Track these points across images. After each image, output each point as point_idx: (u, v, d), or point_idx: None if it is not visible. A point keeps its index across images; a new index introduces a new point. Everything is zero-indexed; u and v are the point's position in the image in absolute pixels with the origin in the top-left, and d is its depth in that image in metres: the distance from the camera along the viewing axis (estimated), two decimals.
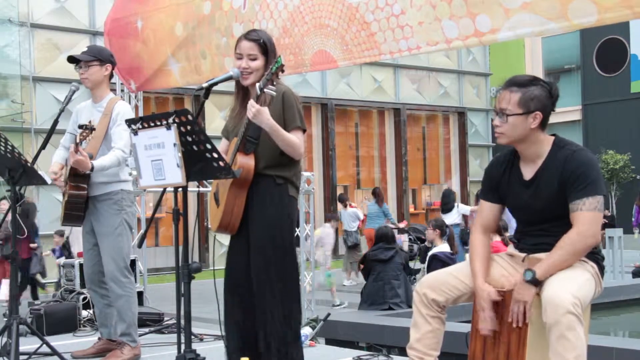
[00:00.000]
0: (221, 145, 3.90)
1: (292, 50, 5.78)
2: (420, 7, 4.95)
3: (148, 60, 7.24)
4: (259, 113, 3.51)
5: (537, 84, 3.26)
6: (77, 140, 4.49)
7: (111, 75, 5.00)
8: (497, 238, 8.27)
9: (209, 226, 3.93)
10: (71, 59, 4.89)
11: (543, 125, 3.30)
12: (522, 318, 3.17)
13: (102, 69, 4.87)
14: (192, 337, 3.74)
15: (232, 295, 3.83)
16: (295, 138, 3.67)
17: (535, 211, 3.33)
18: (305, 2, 5.65)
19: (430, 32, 4.92)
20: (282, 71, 3.51)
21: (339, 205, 15.55)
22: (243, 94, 3.84)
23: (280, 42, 5.82)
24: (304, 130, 3.75)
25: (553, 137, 3.36)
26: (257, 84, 3.51)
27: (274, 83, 3.50)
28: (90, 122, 4.67)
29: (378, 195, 14.14)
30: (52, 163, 4.90)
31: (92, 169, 4.53)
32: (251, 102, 3.52)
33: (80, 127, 4.56)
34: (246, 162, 3.65)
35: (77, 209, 4.76)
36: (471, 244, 3.49)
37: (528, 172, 3.36)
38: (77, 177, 4.72)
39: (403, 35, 5.08)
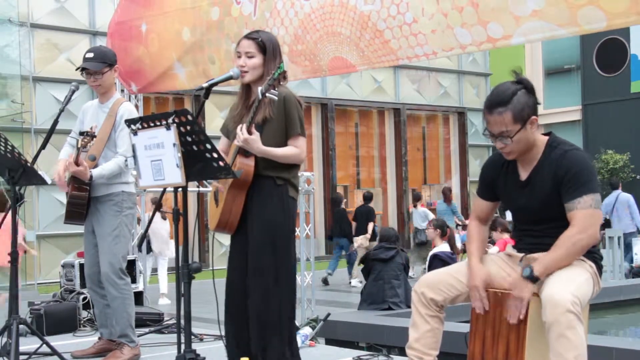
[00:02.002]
0: (221, 143, 3.92)
1: (307, 57, 5.79)
2: (432, 16, 4.95)
3: (150, 64, 7.24)
4: (247, 143, 3.55)
5: (516, 91, 3.22)
6: (79, 146, 4.49)
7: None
8: (506, 235, 8.31)
9: (208, 225, 3.94)
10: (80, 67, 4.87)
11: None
12: (517, 315, 3.17)
13: (112, 72, 4.87)
14: (192, 337, 3.74)
15: (232, 295, 3.84)
16: (291, 150, 3.70)
17: (532, 211, 3.34)
18: (316, 11, 5.65)
19: (444, 39, 4.93)
20: (285, 78, 3.53)
21: (410, 204, 16.67)
22: (246, 93, 3.85)
23: (293, 49, 5.83)
24: (304, 136, 3.77)
25: (547, 137, 3.35)
26: (259, 89, 3.52)
27: (275, 88, 3.51)
28: (91, 128, 4.67)
29: (445, 195, 15.12)
30: (58, 160, 4.88)
31: (91, 178, 4.55)
32: (238, 133, 3.57)
33: (82, 133, 4.55)
34: (246, 164, 3.66)
35: (79, 207, 4.78)
36: (468, 231, 3.56)
37: (524, 172, 3.37)
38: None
39: (417, 42, 5.08)
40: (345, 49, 5.54)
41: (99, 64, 4.80)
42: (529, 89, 3.26)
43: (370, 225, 13.69)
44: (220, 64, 6.54)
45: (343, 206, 14.66)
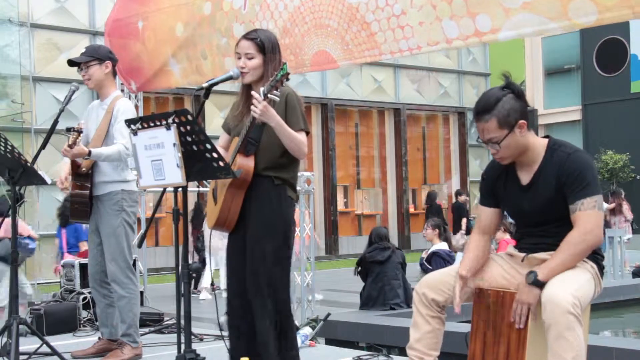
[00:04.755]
0: (221, 139, 3.92)
1: (292, 51, 5.79)
2: (420, 7, 4.95)
3: (148, 60, 7.24)
4: (267, 110, 3.51)
5: (502, 97, 3.21)
6: (70, 143, 4.51)
7: (115, 73, 5.01)
8: (507, 236, 8.31)
9: (206, 224, 3.93)
10: (71, 63, 4.91)
11: (528, 127, 3.29)
12: (524, 320, 3.18)
13: (101, 67, 4.87)
14: (192, 337, 3.74)
15: (231, 293, 3.84)
16: (298, 136, 3.68)
17: (534, 214, 3.34)
18: (306, 3, 5.65)
19: (431, 32, 4.92)
20: (287, 79, 3.51)
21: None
22: (247, 93, 3.84)
23: (281, 42, 5.81)
24: (308, 132, 3.77)
25: (547, 140, 3.35)
26: (262, 89, 3.51)
27: (278, 89, 3.50)
28: (79, 124, 4.70)
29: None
30: (62, 163, 4.92)
31: (89, 154, 4.55)
32: (257, 99, 3.50)
33: (69, 129, 4.57)
34: (246, 164, 3.66)
35: (83, 206, 4.80)
36: (467, 243, 3.52)
37: (525, 176, 3.36)
38: (80, 176, 4.77)
39: (403, 35, 5.08)
40: (330, 42, 5.54)
41: (86, 57, 4.86)
42: (517, 94, 3.25)
43: (464, 221, 14.85)
44: (212, 59, 6.54)
45: (438, 202, 16.23)
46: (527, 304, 3.15)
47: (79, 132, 4.60)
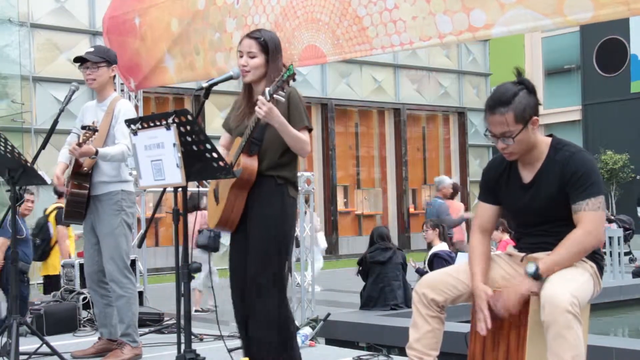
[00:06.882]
0: (222, 139, 3.92)
1: (282, 45, 5.81)
2: (414, 2, 4.93)
3: (146, 57, 7.24)
4: (271, 111, 3.51)
5: (518, 92, 3.22)
6: (80, 141, 4.48)
7: (114, 76, 5.02)
8: (506, 236, 8.30)
9: (208, 223, 3.93)
10: (78, 59, 4.89)
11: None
12: (509, 307, 3.16)
13: (109, 70, 4.88)
14: (192, 337, 3.74)
15: (236, 294, 3.84)
16: (302, 135, 3.69)
17: (535, 213, 3.33)
18: None
19: (424, 26, 4.90)
20: (294, 80, 3.51)
21: None
22: (248, 93, 3.84)
23: None
24: (310, 130, 3.77)
25: (550, 139, 3.35)
26: (267, 90, 3.51)
27: (284, 89, 3.50)
28: (93, 122, 4.66)
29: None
30: (57, 162, 4.90)
31: (96, 153, 4.53)
32: (261, 100, 3.51)
33: (84, 127, 4.55)
34: (250, 164, 3.66)
35: (79, 207, 4.78)
36: (470, 245, 3.49)
37: (527, 175, 3.36)
38: (80, 175, 4.75)
39: (396, 29, 5.06)
40: (320, 37, 5.52)
41: (97, 57, 4.84)
42: (530, 90, 3.26)
43: None
44: (205, 55, 6.53)
45: None
46: (519, 292, 3.14)
47: (94, 130, 4.57)
